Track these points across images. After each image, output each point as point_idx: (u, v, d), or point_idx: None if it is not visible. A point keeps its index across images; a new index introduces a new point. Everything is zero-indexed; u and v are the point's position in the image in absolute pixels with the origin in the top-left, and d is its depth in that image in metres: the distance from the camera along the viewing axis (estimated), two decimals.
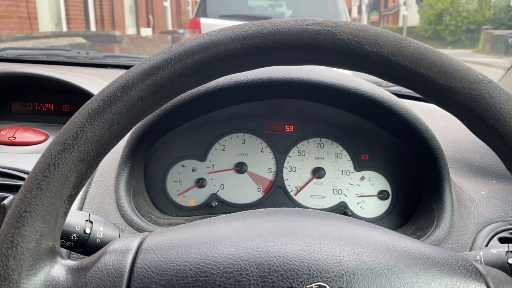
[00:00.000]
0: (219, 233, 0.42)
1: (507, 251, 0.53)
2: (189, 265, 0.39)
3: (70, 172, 0.40)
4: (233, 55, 0.43)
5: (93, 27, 9.87)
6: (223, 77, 0.73)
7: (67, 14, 8.70)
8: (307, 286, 0.38)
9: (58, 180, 0.40)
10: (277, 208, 0.48)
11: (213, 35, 0.43)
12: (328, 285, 0.38)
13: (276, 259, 0.39)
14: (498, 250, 0.54)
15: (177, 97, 0.73)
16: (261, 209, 0.48)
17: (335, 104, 0.80)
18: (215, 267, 0.39)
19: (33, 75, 0.90)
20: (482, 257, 0.54)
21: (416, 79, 0.43)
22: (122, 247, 0.42)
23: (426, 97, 0.45)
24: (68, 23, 8.73)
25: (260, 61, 0.44)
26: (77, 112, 0.42)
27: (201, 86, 0.73)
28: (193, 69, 0.43)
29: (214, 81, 0.73)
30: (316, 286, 0.38)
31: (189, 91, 0.73)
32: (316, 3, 5.16)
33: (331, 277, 0.38)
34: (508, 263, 0.52)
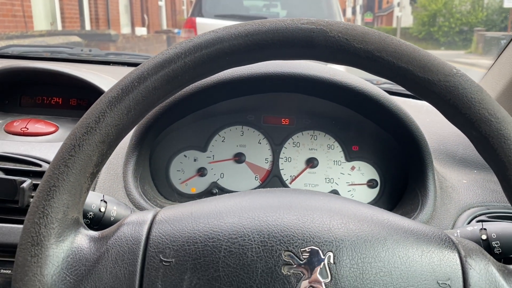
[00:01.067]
0: (224, 206, 0.48)
1: (481, 229, 0.59)
2: (199, 232, 0.45)
3: (92, 152, 0.46)
4: (236, 50, 0.49)
5: (88, 26, 9.87)
6: (224, 72, 0.79)
7: (62, 13, 8.71)
8: (301, 249, 0.43)
9: (82, 159, 0.45)
10: (274, 188, 0.54)
11: (218, 32, 0.49)
12: (319, 248, 0.44)
13: (275, 227, 0.45)
14: (473, 228, 0.60)
15: (180, 91, 0.79)
16: (261, 189, 0.53)
17: (328, 97, 0.86)
18: (221, 234, 0.44)
19: (43, 70, 0.95)
20: (459, 233, 0.60)
21: (398, 72, 0.48)
22: (138, 219, 0.48)
23: (407, 89, 0.51)
24: (63, 22, 8.73)
25: (260, 55, 0.50)
26: (98, 100, 0.48)
27: (202, 80, 0.79)
28: (201, 62, 0.48)
29: (215, 75, 0.79)
30: (309, 249, 0.43)
31: (191, 85, 0.79)
32: (311, 4, 5.22)
33: (322, 242, 0.44)
34: (481, 238, 0.58)
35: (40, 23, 8.06)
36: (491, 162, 0.48)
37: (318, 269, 0.43)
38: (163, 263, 0.44)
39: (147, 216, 0.48)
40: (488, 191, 0.82)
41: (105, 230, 0.48)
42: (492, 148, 0.47)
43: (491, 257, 0.48)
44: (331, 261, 0.43)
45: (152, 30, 13.47)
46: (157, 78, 0.48)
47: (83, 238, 0.46)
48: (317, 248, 0.44)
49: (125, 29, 12.33)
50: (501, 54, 1.01)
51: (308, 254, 0.43)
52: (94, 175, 0.47)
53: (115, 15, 11.16)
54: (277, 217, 0.46)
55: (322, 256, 0.43)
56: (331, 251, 0.44)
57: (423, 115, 1.03)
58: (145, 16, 13.60)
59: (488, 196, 0.81)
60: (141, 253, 0.44)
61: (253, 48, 0.49)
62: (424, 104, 1.11)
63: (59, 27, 8.63)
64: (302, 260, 0.43)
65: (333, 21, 0.50)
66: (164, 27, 15.91)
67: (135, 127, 0.81)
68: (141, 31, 12.30)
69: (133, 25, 12.73)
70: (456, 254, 0.46)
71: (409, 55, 0.48)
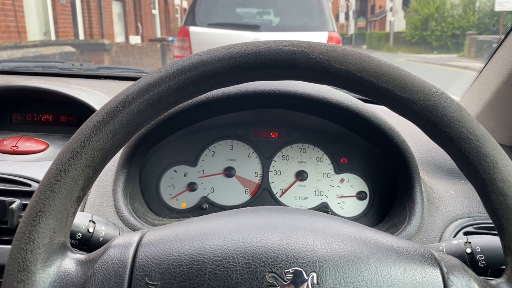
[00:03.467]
0: (209, 228, 0.48)
1: (466, 242, 0.60)
2: (184, 255, 0.46)
3: (78, 177, 0.46)
4: (219, 73, 0.50)
5: (81, 36, 9.89)
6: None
7: (55, 23, 8.71)
8: (285, 270, 0.44)
9: (68, 183, 0.46)
10: (260, 206, 0.55)
11: (202, 55, 0.50)
12: (303, 269, 0.44)
13: (259, 249, 0.45)
14: (458, 241, 0.61)
15: None
16: (246, 208, 0.54)
17: (315, 113, 0.87)
18: (206, 256, 0.45)
19: (33, 88, 0.96)
20: (444, 247, 0.61)
21: (379, 91, 0.50)
22: (124, 242, 0.48)
23: (388, 107, 0.52)
24: (56, 31, 8.74)
25: (243, 77, 0.51)
26: (83, 124, 0.49)
27: None
28: (185, 85, 0.49)
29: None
30: (293, 270, 0.44)
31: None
32: (303, 11, 5.25)
33: (305, 263, 0.45)
34: (466, 252, 0.59)
35: (34, 33, 8.07)
36: (471, 179, 0.49)
37: None
38: (149, 286, 0.44)
39: (133, 238, 0.49)
40: (475, 201, 0.83)
41: (92, 253, 0.49)
42: (471, 165, 0.48)
43: (473, 273, 0.49)
44: (315, 281, 0.44)
45: (146, 39, 13.49)
46: (141, 101, 0.48)
47: (70, 262, 0.47)
48: (301, 269, 0.44)
49: (119, 38, 12.35)
50: (486, 64, 1.02)
51: (292, 275, 0.44)
52: (80, 199, 0.48)
53: (108, 24, 11.18)
54: (262, 238, 0.47)
55: (306, 277, 0.44)
56: (315, 272, 0.44)
57: (410, 125, 1.04)
58: (139, 25, 13.63)
59: (475, 207, 0.82)
60: (127, 276, 0.45)
61: (236, 71, 0.50)
62: None
63: (53, 37, 8.64)
64: (286, 282, 0.44)
65: (314, 42, 0.51)
66: (158, 35, 15.95)
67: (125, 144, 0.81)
68: (135, 39, 12.33)
69: (127, 34, 12.76)
70: (438, 271, 0.47)
71: (390, 75, 0.49)
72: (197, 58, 0.50)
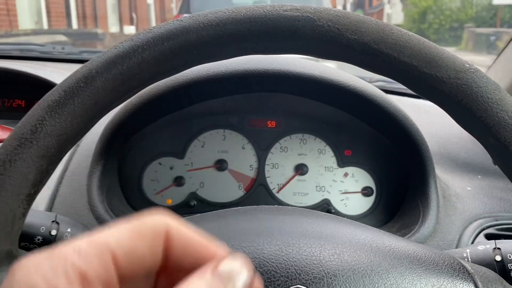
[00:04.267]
0: None
1: (494, 248, 0.52)
2: None
3: (28, 169, 0.37)
4: (205, 43, 0.40)
5: (75, 25, 9.74)
6: (199, 68, 0.70)
7: (47, 11, 8.56)
8: None
9: (14, 178, 0.37)
10: (254, 206, 0.45)
11: (184, 20, 0.40)
12: None
13: (253, 261, 0.36)
14: (485, 247, 0.52)
15: (152, 89, 0.70)
16: (238, 208, 0.45)
17: (318, 98, 0.78)
18: None
19: (2, 69, 0.86)
20: (469, 254, 0.52)
21: (400, 68, 0.40)
22: None
23: (410, 87, 0.43)
24: (49, 20, 8.60)
25: (234, 49, 0.42)
26: (36, 105, 0.39)
27: (175, 78, 0.70)
28: (163, 57, 0.40)
29: (189, 72, 0.70)
30: None
31: (164, 83, 0.70)
32: (301, 2, 5.15)
33: (310, 279, 0.35)
34: (495, 260, 0.50)
35: (25, 21, 7.91)
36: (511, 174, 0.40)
37: None
38: None
39: None
40: (495, 199, 0.75)
41: None
42: None
43: None
44: None
45: (140, 29, 13.33)
46: (108, 77, 0.39)
47: None
48: (304, 287, 0.35)
49: (113, 28, 12.19)
50: (505, 48, 0.93)
51: None
52: (31, 196, 0.38)
53: (102, 14, 11.02)
54: (255, 247, 0.37)
55: None
56: None
57: (421, 115, 0.95)
58: (134, 15, 13.46)
59: (495, 205, 0.73)
60: None
61: (225, 41, 0.40)
62: (421, 103, 1.03)
63: (45, 26, 8.48)
64: None
65: (321, 7, 0.41)
66: (153, 25, 15.77)
67: (101, 132, 0.72)
68: (129, 29, 12.15)
69: (121, 24, 12.59)
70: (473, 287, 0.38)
71: (413, 48, 0.40)
72: (178, 24, 0.40)
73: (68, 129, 0.38)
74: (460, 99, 0.39)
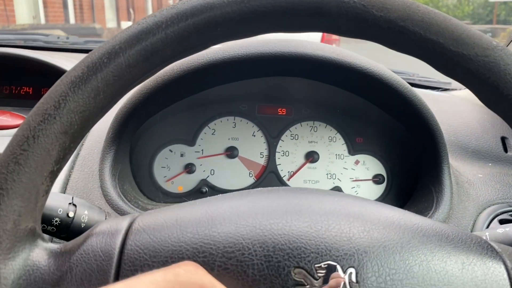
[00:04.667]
0: (217, 211, 0.39)
1: None
2: (186, 245, 0.36)
3: (51, 146, 0.36)
4: (229, 20, 0.40)
5: (72, 20, 9.68)
6: (215, 52, 0.70)
7: (45, 7, 8.51)
8: (316, 265, 0.35)
9: (38, 154, 0.36)
10: (277, 187, 0.45)
11: None
12: (338, 264, 0.35)
13: (281, 237, 0.36)
14: (505, 230, 0.52)
15: (165, 74, 0.69)
16: (261, 188, 0.44)
17: (334, 82, 0.77)
18: (214, 246, 0.35)
19: (10, 55, 0.85)
20: (488, 237, 0.52)
21: (426, 45, 0.40)
22: (110, 229, 0.38)
23: (436, 66, 0.42)
24: (46, 15, 8.54)
25: (258, 26, 0.41)
26: (58, 80, 0.38)
27: (190, 61, 0.69)
28: (187, 34, 0.39)
29: (205, 55, 0.69)
30: (326, 265, 0.35)
31: (178, 67, 0.69)
32: None
33: (341, 256, 0.35)
34: None
35: (23, 17, 7.86)
36: None
37: None
38: None
39: (122, 224, 0.39)
40: (507, 185, 0.75)
41: (69, 242, 0.39)
42: None
43: None
44: (353, 279, 0.34)
45: None
46: (132, 53, 0.38)
47: (41, 254, 0.37)
48: (335, 264, 0.35)
49: (111, 23, 12.13)
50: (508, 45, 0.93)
51: (324, 271, 0.34)
52: (54, 174, 0.38)
53: (100, 9, 10.97)
54: (284, 224, 0.37)
55: (342, 274, 0.34)
56: (353, 267, 0.35)
57: (430, 104, 0.95)
58: (131, 10, 13.39)
59: (507, 192, 0.73)
60: (113, 271, 0.35)
61: (250, 17, 0.40)
62: (430, 93, 1.03)
63: (42, 21, 8.43)
64: (317, 279, 0.34)
65: None
66: None
67: (113, 117, 0.71)
68: (127, 25, 12.09)
69: (118, 20, 12.53)
70: (502, 266, 0.38)
71: (440, 25, 0.39)
72: (202, 0, 0.40)
73: (91, 105, 0.38)
74: (487, 77, 0.39)
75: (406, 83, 0.72)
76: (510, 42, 0.96)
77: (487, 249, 0.39)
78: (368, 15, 0.39)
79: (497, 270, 0.37)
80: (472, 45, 0.39)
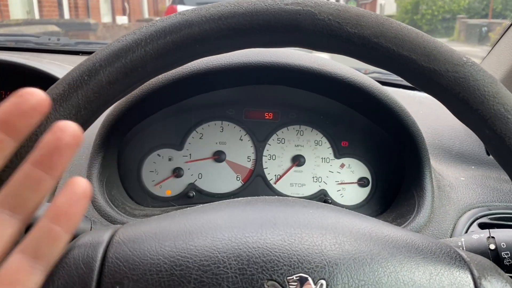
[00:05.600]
0: (195, 224, 0.40)
1: (488, 237, 0.53)
2: (164, 258, 0.37)
3: None
4: (208, 36, 0.41)
5: (66, 15, 9.63)
6: (199, 61, 0.71)
7: (39, 1, 8.45)
8: (288, 277, 0.36)
9: None
10: (255, 197, 0.46)
11: (186, 14, 0.41)
12: (309, 276, 0.36)
13: (255, 250, 0.37)
14: (479, 236, 0.54)
15: (151, 83, 0.70)
16: (239, 199, 0.46)
17: (315, 90, 0.79)
18: (191, 260, 0.37)
19: None
20: (463, 243, 0.53)
21: (399, 61, 0.41)
22: (92, 241, 0.40)
23: (408, 80, 0.43)
24: (40, 10, 8.49)
25: (236, 43, 0.42)
26: None
27: (175, 71, 0.70)
28: (166, 51, 0.40)
29: (189, 65, 0.70)
30: (298, 278, 0.36)
31: (163, 76, 0.70)
32: None
33: (312, 268, 0.36)
34: (489, 248, 0.52)
35: (17, 11, 7.81)
36: (507, 165, 0.41)
37: None
38: None
39: (103, 236, 0.40)
40: (488, 189, 0.76)
41: None
42: (508, 149, 0.40)
43: (508, 277, 0.41)
44: None
45: (133, 19, 13.20)
46: (112, 70, 0.39)
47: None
48: (307, 276, 0.36)
49: (106, 18, 12.07)
50: (499, 40, 0.94)
51: (296, 283, 0.36)
52: None
53: (95, 3, 10.90)
54: (259, 237, 0.38)
55: (314, 286, 0.36)
56: (324, 279, 0.36)
57: (415, 107, 0.96)
58: (126, 5, 13.32)
59: (488, 195, 0.75)
60: (94, 284, 0.36)
61: (227, 34, 0.41)
62: (416, 95, 1.04)
63: (37, 16, 8.38)
64: None
65: (322, 1, 0.42)
66: (146, 15, 15.61)
67: (100, 124, 0.72)
68: (122, 20, 12.04)
69: (113, 14, 12.47)
70: (469, 276, 0.39)
71: (412, 42, 0.41)
72: (180, 18, 0.41)
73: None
74: (457, 92, 0.40)
75: (387, 91, 0.73)
76: (501, 37, 0.97)
77: (455, 259, 0.41)
78: (343, 32, 0.41)
79: (464, 279, 0.39)
80: (443, 61, 0.41)
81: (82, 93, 0.39)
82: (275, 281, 0.36)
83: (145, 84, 0.70)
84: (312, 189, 0.85)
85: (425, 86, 0.42)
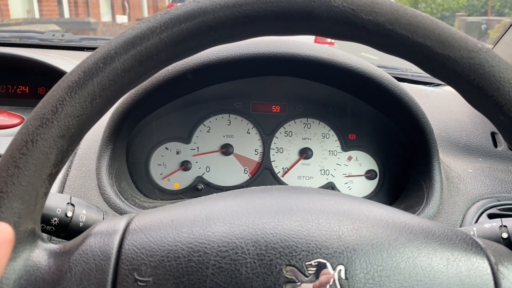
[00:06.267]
0: (212, 211, 0.40)
1: (501, 226, 0.53)
2: (181, 244, 0.37)
3: (49, 149, 0.38)
4: (222, 24, 0.41)
5: (66, 14, 9.62)
6: (209, 52, 0.71)
7: (39, 1, 8.44)
8: (306, 263, 0.36)
9: (36, 157, 0.37)
10: (270, 186, 0.46)
11: (201, 2, 0.41)
12: (328, 261, 0.36)
13: (273, 236, 0.37)
14: (491, 225, 0.54)
15: (159, 75, 0.70)
16: (254, 187, 0.46)
17: (324, 80, 0.78)
18: (209, 246, 0.37)
19: (6, 55, 0.85)
20: (475, 232, 0.53)
21: (413, 48, 0.41)
22: (108, 229, 0.40)
23: (423, 68, 0.43)
24: (40, 9, 8.48)
25: (251, 30, 0.42)
26: (55, 85, 0.39)
27: (185, 62, 0.70)
28: (180, 38, 0.40)
29: (199, 57, 0.70)
30: (316, 263, 0.36)
31: (171, 68, 0.70)
32: None
33: (330, 253, 0.36)
34: (502, 237, 0.52)
35: (17, 11, 7.80)
36: None
37: (327, 287, 0.35)
38: (138, 283, 0.36)
39: (119, 224, 0.40)
40: (496, 180, 0.76)
41: (68, 242, 0.40)
42: None
43: None
44: (342, 276, 0.36)
45: (133, 18, 13.19)
46: (127, 58, 0.39)
47: (41, 254, 0.38)
48: (325, 261, 0.36)
49: (106, 17, 12.06)
50: (499, 40, 0.94)
51: (314, 268, 0.36)
52: (52, 176, 0.39)
53: (94, 3, 10.89)
54: (276, 223, 0.38)
55: (332, 271, 0.36)
56: (342, 264, 0.36)
57: (422, 100, 0.96)
58: (126, 4, 13.30)
59: (496, 186, 0.75)
60: (111, 270, 0.37)
61: (242, 22, 0.41)
62: (422, 89, 1.04)
63: (37, 15, 8.37)
64: (307, 276, 0.36)
65: None
66: (146, 14, 15.60)
67: (109, 117, 0.72)
68: (122, 19, 12.03)
69: (113, 13, 12.46)
70: (486, 262, 0.39)
71: (427, 28, 0.41)
72: (195, 5, 0.41)
73: (88, 109, 0.39)
74: (472, 78, 0.40)
75: (397, 81, 0.73)
76: (503, 34, 0.97)
77: (471, 245, 0.41)
78: (357, 19, 0.40)
79: (481, 265, 0.39)
80: (458, 48, 0.40)
81: (98, 81, 0.39)
82: (293, 266, 0.36)
83: (153, 76, 0.70)
84: (320, 181, 0.85)
85: (440, 73, 0.42)
